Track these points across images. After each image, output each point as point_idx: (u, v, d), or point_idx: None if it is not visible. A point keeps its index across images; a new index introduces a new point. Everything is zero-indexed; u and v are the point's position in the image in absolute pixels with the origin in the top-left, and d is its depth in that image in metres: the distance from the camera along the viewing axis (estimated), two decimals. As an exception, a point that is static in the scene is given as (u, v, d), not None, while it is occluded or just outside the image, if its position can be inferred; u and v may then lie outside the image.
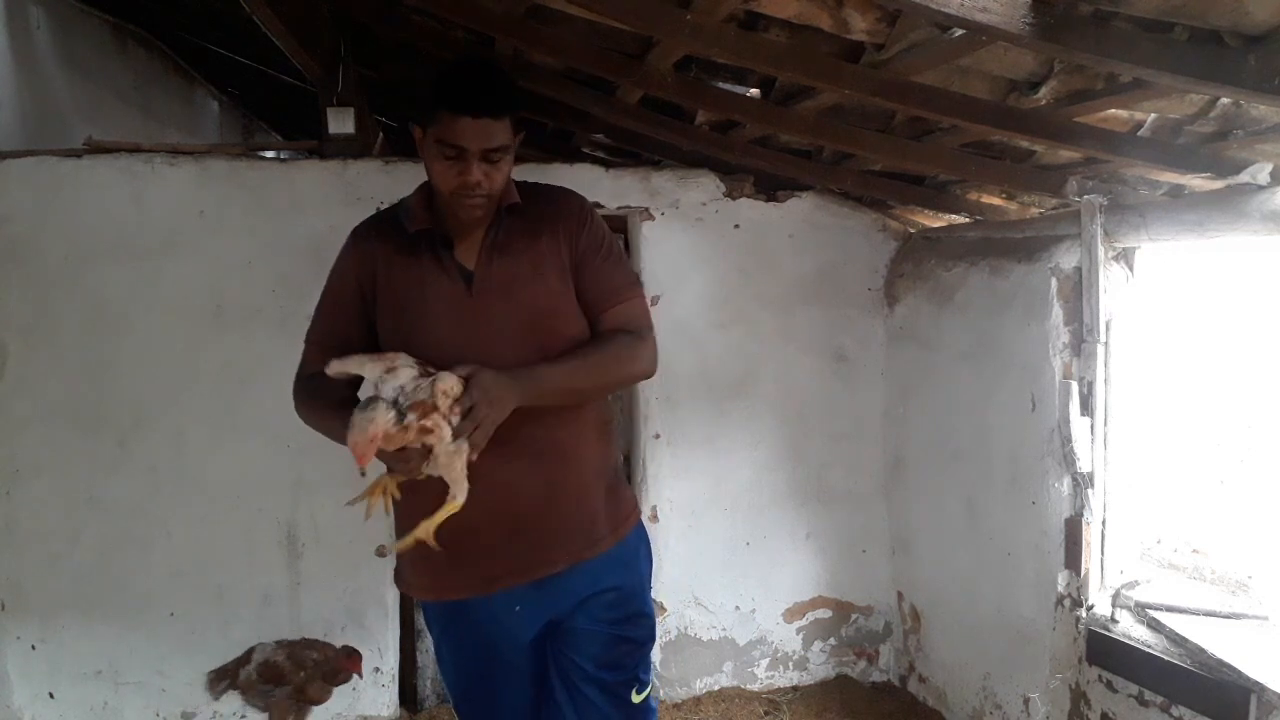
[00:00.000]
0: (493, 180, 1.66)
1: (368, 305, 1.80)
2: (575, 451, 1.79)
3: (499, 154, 1.65)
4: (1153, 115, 2.00)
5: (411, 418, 1.49)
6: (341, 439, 1.52)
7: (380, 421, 1.48)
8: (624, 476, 2.00)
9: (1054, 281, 2.53)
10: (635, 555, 1.92)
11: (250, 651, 2.55)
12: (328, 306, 1.85)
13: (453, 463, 1.56)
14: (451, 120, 1.60)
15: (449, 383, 1.53)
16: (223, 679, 2.55)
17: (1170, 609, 2.31)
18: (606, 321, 1.79)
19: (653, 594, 2.04)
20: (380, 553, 3.03)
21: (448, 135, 1.61)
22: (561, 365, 1.69)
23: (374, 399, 1.52)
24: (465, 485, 1.60)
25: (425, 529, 1.64)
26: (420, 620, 3.36)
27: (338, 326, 1.81)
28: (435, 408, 1.50)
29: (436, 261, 1.74)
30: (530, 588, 1.79)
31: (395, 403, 1.51)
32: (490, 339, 1.67)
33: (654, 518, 3.19)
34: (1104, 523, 2.47)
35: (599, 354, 1.75)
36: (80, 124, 3.51)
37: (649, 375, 1.85)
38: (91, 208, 2.85)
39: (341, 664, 2.60)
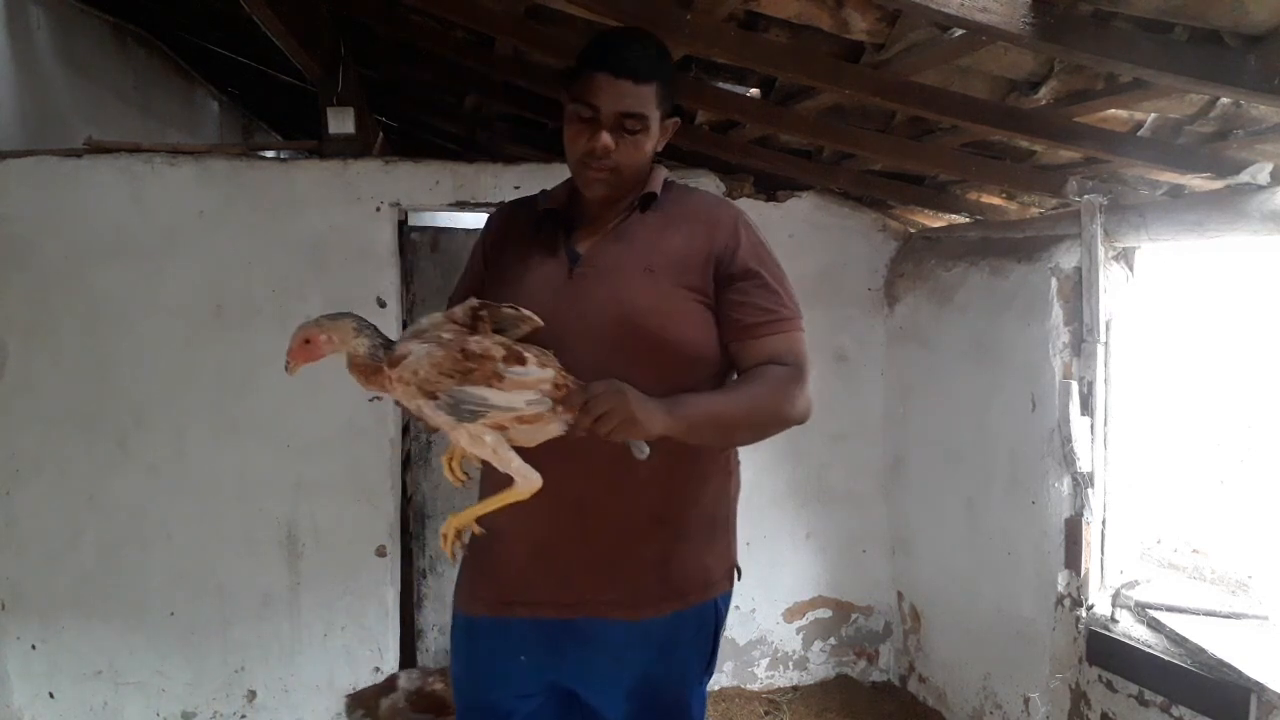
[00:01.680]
0: (625, 154, 1.50)
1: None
2: (636, 480, 1.49)
3: (636, 124, 1.49)
4: (1153, 115, 2.00)
5: (382, 360, 1.38)
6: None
7: (311, 331, 1.37)
8: (723, 538, 1.65)
9: (1054, 281, 2.53)
10: (675, 638, 1.57)
11: (393, 679, 2.33)
12: (462, 284, 1.74)
13: (476, 445, 1.37)
14: (590, 78, 1.48)
15: (421, 362, 1.33)
16: (358, 706, 2.36)
17: (1170, 609, 2.31)
18: (756, 349, 1.55)
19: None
20: (380, 552, 3.04)
21: (584, 93, 1.49)
22: (708, 400, 1.48)
23: (347, 313, 1.41)
24: (523, 470, 1.38)
25: (468, 514, 1.45)
26: (420, 620, 3.36)
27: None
28: (384, 369, 1.36)
29: (551, 241, 1.60)
30: (541, 636, 1.56)
31: (382, 344, 1.39)
32: (578, 328, 1.47)
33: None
34: (1104, 523, 2.47)
35: (753, 391, 1.51)
36: (80, 124, 3.51)
37: (800, 421, 1.56)
38: (91, 208, 2.85)
39: None
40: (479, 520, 1.45)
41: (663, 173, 1.63)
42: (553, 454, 1.40)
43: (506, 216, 1.72)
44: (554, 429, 1.38)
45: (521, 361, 1.36)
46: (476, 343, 1.35)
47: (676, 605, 1.56)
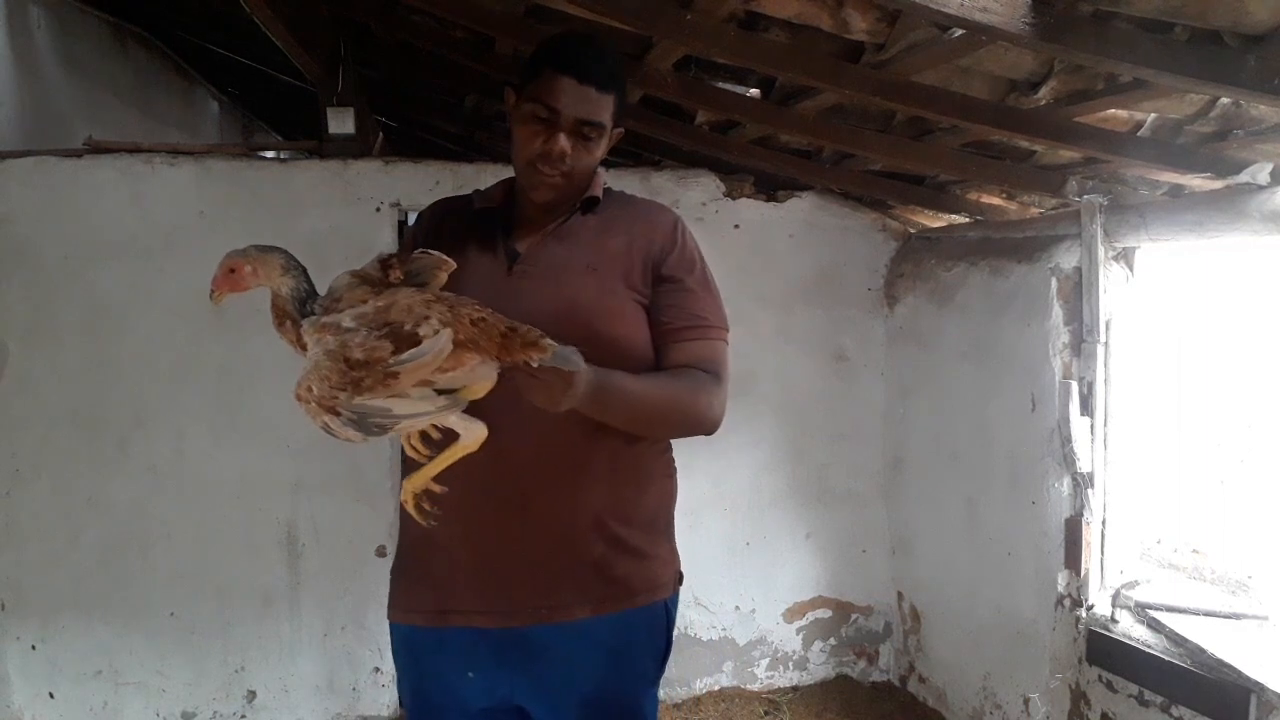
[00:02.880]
0: (578, 159, 1.50)
1: None
2: (579, 481, 1.50)
3: (592, 131, 1.49)
4: (1153, 115, 2.00)
5: (293, 309, 1.31)
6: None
7: (237, 260, 1.30)
8: (666, 541, 1.64)
9: (1054, 281, 2.53)
10: (626, 641, 1.55)
11: None
12: None
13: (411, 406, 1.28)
14: (552, 79, 1.46)
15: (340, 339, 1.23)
16: None
17: (1170, 609, 2.31)
18: (680, 352, 1.53)
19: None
20: (380, 553, 3.04)
21: (544, 94, 1.46)
22: (631, 379, 1.44)
23: (277, 248, 1.34)
24: (462, 422, 1.32)
25: (422, 476, 1.37)
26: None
27: None
28: (293, 325, 1.30)
29: (488, 240, 1.58)
30: (487, 649, 1.52)
31: (307, 292, 1.32)
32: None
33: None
34: (1104, 523, 2.47)
35: (675, 384, 1.49)
36: (80, 124, 3.51)
37: (712, 428, 1.55)
38: (91, 208, 2.85)
39: None
40: (436, 479, 1.39)
41: (603, 177, 1.64)
42: (493, 454, 1.36)
43: (439, 213, 1.69)
44: (487, 371, 1.31)
45: (415, 342, 1.24)
46: (360, 345, 1.23)
47: (623, 605, 1.53)
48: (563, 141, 1.47)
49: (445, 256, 1.39)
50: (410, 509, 1.40)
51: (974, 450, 2.90)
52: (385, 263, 1.38)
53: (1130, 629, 2.34)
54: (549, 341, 1.28)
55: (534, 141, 1.48)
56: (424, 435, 1.43)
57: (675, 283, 1.56)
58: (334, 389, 1.21)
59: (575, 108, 1.46)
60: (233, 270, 1.32)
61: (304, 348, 1.30)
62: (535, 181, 1.52)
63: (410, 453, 1.45)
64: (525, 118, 1.49)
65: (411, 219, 3.22)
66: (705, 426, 1.54)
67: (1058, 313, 2.52)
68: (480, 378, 1.31)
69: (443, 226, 1.65)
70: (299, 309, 1.32)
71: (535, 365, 1.28)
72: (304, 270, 1.34)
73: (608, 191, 1.65)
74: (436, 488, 1.38)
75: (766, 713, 3.23)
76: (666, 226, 1.60)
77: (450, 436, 1.36)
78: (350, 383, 1.21)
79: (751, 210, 3.27)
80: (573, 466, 1.48)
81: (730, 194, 3.25)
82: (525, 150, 1.50)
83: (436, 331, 1.25)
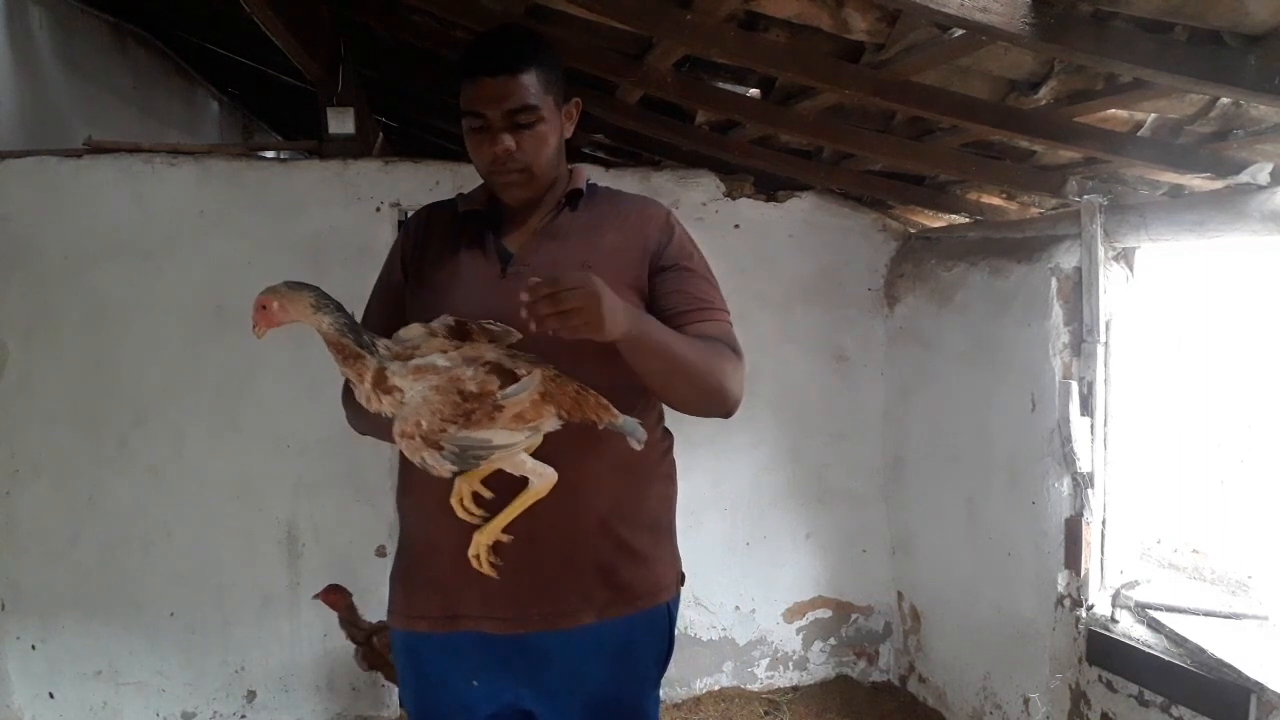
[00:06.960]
0: (530, 151, 1.49)
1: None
2: (583, 486, 1.48)
3: (526, 115, 1.47)
4: (1153, 115, 2.00)
5: (349, 342, 1.32)
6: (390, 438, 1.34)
7: (266, 297, 1.32)
8: (668, 543, 1.65)
9: (1054, 281, 2.53)
10: (628, 645, 1.56)
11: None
12: (375, 295, 1.68)
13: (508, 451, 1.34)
14: (469, 87, 1.47)
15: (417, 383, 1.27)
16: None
17: (1170, 609, 2.31)
18: (694, 333, 1.51)
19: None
20: (380, 552, 3.04)
21: (469, 103, 1.48)
22: (667, 328, 1.43)
23: (308, 286, 1.35)
24: (537, 468, 1.35)
25: (493, 526, 1.38)
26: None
27: (382, 317, 1.60)
28: (365, 359, 1.31)
29: (478, 242, 1.58)
30: (492, 656, 1.52)
31: (349, 324, 1.33)
32: (518, 327, 1.40)
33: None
34: (1104, 523, 2.47)
35: (706, 346, 1.47)
36: (80, 124, 3.51)
37: (734, 405, 1.50)
38: (91, 208, 2.85)
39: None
40: (506, 528, 1.41)
41: (586, 171, 1.64)
42: None
43: (423, 221, 1.68)
44: (549, 427, 1.36)
45: (515, 378, 1.32)
46: (472, 379, 1.28)
47: (626, 610, 1.54)
48: (504, 140, 1.47)
49: (512, 329, 1.41)
50: (483, 562, 1.40)
51: (974, 450, 2.90)
52: (461, 325, 1.41)
53: (1130, 629, 2.34)
54: (615, 410, 1.38)
55: (482, 150, 1.50)
56: (476, 496, 1.43)
57: (676, 269, 1.56)
58: (445, 421, 1.26)
59: (497, 103, 1.46)
60: (264, 306, 1.34)
61: (382, 388, 1.31)
62: (500, 185, 1.53)
63: (463, 515, 1.42)
64: (467, 131, 1.51)
65: (412, 219, 3.22)
66: (728, 400, 1.49)
67: (1058, 313, 2.52)
68: (544, 429, 1.37)
69: (431, 233, 1.64)
70: (357, 341, 1.33)
71: (602, 428, 1.38)
72: (338, 304, 1.35)
73: (594, 187, 1.65)
74: (505, 538, 1.39)
75: (766, 713, 3.23)
76: (660, 219, 1.61)
77: (504, 487, 1.38)
78: (462, 415, 1.27)
79: (751, 210, 3.27)
80: (576, 471, 1.47)
81: (730, 194, 3.25)
82: (479, 161, 1.53)
83: (528, 372, 1.33)
